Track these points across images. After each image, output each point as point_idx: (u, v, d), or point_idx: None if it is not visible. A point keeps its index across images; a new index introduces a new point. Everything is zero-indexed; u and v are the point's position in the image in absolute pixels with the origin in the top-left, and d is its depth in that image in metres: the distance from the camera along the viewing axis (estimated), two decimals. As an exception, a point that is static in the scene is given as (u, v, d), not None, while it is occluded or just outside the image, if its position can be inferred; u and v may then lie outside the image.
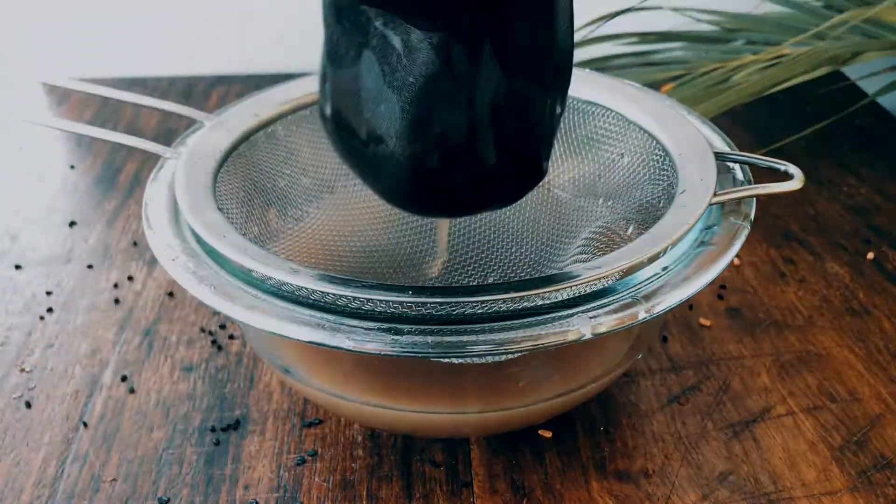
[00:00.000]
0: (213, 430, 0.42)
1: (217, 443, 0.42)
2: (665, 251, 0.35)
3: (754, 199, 0.38)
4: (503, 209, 0.48)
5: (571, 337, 0.32)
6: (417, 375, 0.37)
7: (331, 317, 0.32)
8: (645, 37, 0.71)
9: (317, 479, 0.40)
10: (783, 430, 0.42)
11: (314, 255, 0.45)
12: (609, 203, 0.45)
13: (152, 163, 0.65)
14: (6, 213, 0.60)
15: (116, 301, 0.51)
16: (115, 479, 0.40)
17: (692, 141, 0.41)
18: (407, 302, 0.32)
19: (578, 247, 0.43)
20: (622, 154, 0.45)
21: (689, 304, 0.50)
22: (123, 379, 0.45)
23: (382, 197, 0.34)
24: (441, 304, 0.32)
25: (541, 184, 0.48)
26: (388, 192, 0.33)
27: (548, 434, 0.42)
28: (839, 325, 0.48)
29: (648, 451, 0.41)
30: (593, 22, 0.69)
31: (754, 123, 0.69)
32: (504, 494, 0.39)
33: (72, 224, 0.58)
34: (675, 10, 0.70)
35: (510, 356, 0.36)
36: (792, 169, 0.38)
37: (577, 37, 0.72)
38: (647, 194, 0.43)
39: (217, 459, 0.41)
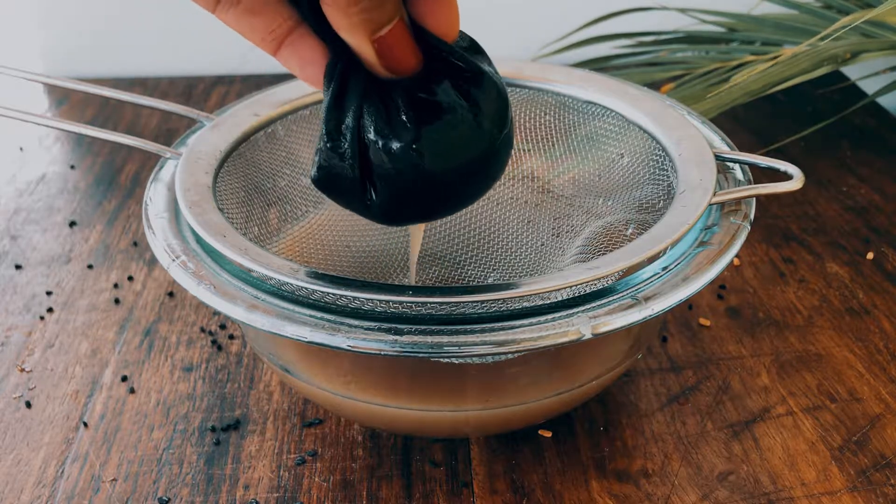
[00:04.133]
0: (213, 430, 0.42)
1: (217, 443, 0.42)
2: (665, 251, 0.36)
3: (754, 199, 0.38)
4: (504, 209, 0.48)
5: (571, 337, 0.32)
6: (417, 374, 0.37)
7: (331, 317, 0.32)
8: (645, 37, 0.71)
9: (317, 479, 0.40)
10: (783, 429, 0.42)
11: (314, 255, 0.45)
12: (609, 203, 0.45)
13: (152, 163, 0.66)
14: (6, 213, 0.60)
15: (116, 301, 0.51)
16: (115, 479, 0.40)
17: (692, 141, 0.41)
18: (407, 302, 0.32)
19: (578, 247, 0.43)
20: (622, 154, 0.45)
21: (688, 304, 0.50)
22: (123, 379, 0.45)
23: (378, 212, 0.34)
24: (441, 304, 0.32)
25: (541, 184, 0.48)
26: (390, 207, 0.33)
27: (548, 434, 0.42)
28: (839, 325, 0.48)
29: (648, 450, 0.41)
30: (593, 22, 0.69)
31: (754, 123, 0.69)
32: (504, 494, 0.39)
33: (72, 224, 0.58)
34: (676, 10, 0.70)
35: (510, 356, 0.36)
36: (792, 169, 0.38)
37: (578, 37, 0.72)
38: (647, 194, 0.43)
39: (217, 459, 0.41)
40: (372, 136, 0.30)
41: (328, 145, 0.31)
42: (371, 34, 0.28)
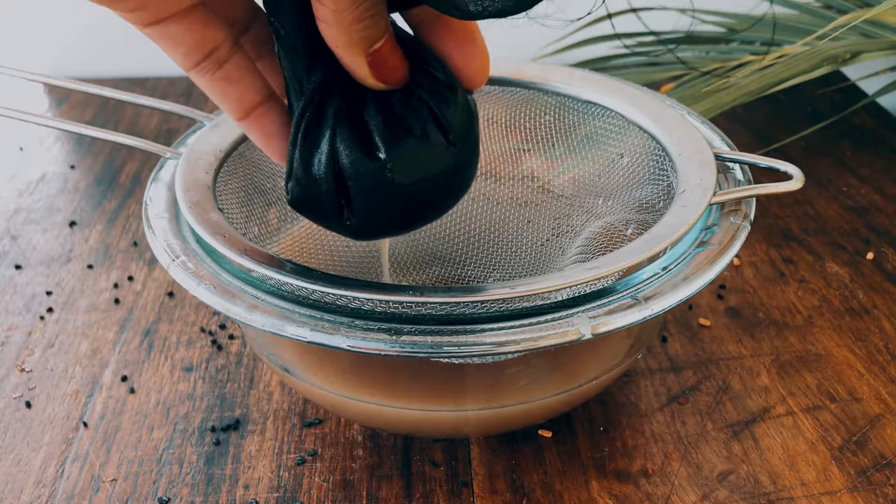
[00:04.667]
0: (213, 430, 0.42)
1: (217, 443, 0.42)
2: (665, 251, 0.36)
3: (754, 199, 0.38)
4: (504, 209, 0.48)
5: (571, 337, 0.32)
6: (417, 374, 0.37)
7: (331, 317, 0.32)
8: (645, 37, 0.71)
9: (317, 479, 0.40)
10: (783, 429, 0.42)
11: (314, 255, 0.45)
12: (609, 203, 0.45)
13: (152, 163, 0.66)
14: (6, 213, 0.60)
15: (116, 301, 0.51)
16: (115, 479, 0.40)
17: (692, 141, 0.41)
18: (407, 302, 0.32)
19: (578, 247, 0.43)
20: (622, 154, 0.45)
21: (688, 304, 0.50)
22: (123, 379, 0.45)
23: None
24: (441, 304, 0.32)
25: (541, 184, 0.48)
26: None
27: (548, 434, 0.42)
28: (839, 325, 0.48)
29: (648, 450, 0.41)
30: (593, 22, 0.69)
31: (754, 123, 0.69)
32: (504, 494, 0.39)
33: (72, 224, 0.58)
34: (676, 10, 0.70)
35: (510, 356, 0.36)
36: (792, 169, 0.38)
37: (578, 37, 0.72)
38: (647, 194, 0.43)
39: (217, 459, 0.41)
40: (345, 161, 0.31)
41: (303, 172, 0.31)
42: (368, 49, 0.29)
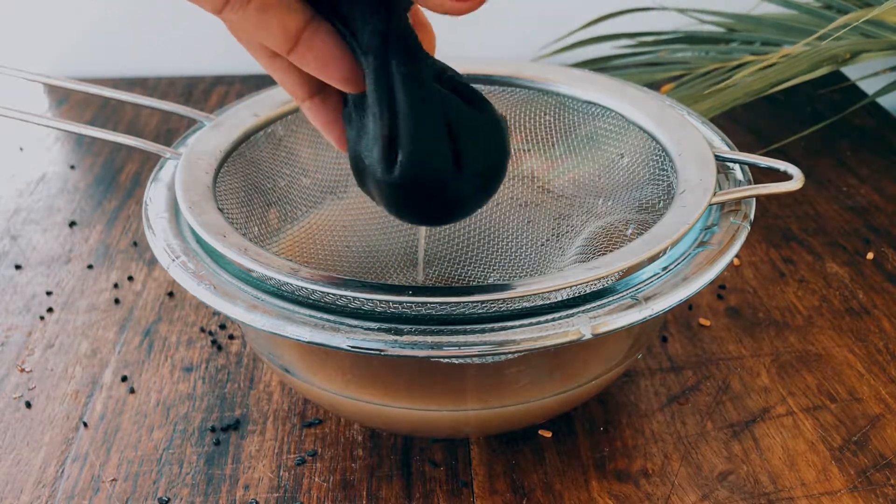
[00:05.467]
0: (213, 430, 0.42)
1: (217, 443, 0.42)
2: (665, 251, 0.36)
3: (754, 199, 0.38)
4: (504, 209, 0.48)
5: (571, 337, 0.32)
6: (417, 374, 0.37)
7: (331, 317, 0.32)
8: (645, 37, 0.71)
9: (317, 479, 0.40)
10: (783, 429, 0.42)
11: (314, 255, 0.45)
12: (609, 203, 0.45)
13: (152, 163, 0.66)
14: (6, 213, 0.60)
15: (116, 301, 0.51)
16: (115, 479, 0.40)
17: (692, 141, 0.41)
18: (407, 302, 0.32)
19: (578, 247, 0.43)
20: (622, 154, 0.45)
21: (688, 304, 0.50)
22: (123, 379, 0.45)
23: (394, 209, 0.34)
24: (441, 304, 0.32)
25: (541, 184, 0.48)
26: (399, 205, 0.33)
27: (548, 434, 0.42)
28: (839, 325, 0.48)
29: (648, 450, 0.41)
30: (593, 22, 0.69)
31: (754, 123, 0.69)
32: (504, 494, 0.39)
33: (72, 224, 0.58)
34: (675, 10, 0.70)
35: (510, 356, 0.36)
36: (791, 169, 0.38)
37: (578, 37, 0.72)
38: (647, 194, 0.43)
39: (217, 459, 0.41)
40: (461, 109, 0.31)
41: (414, 131, 0.30)
42: None
